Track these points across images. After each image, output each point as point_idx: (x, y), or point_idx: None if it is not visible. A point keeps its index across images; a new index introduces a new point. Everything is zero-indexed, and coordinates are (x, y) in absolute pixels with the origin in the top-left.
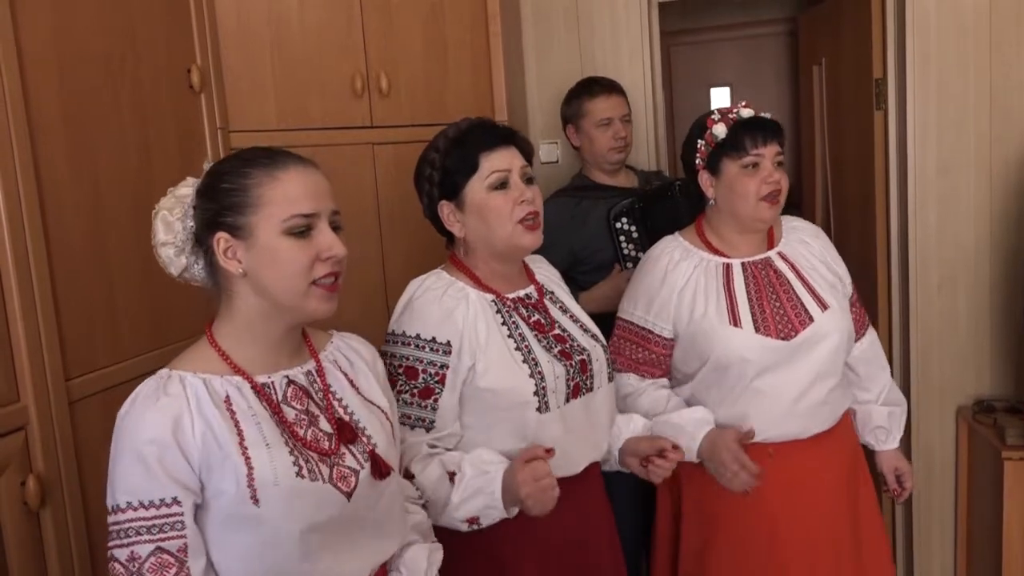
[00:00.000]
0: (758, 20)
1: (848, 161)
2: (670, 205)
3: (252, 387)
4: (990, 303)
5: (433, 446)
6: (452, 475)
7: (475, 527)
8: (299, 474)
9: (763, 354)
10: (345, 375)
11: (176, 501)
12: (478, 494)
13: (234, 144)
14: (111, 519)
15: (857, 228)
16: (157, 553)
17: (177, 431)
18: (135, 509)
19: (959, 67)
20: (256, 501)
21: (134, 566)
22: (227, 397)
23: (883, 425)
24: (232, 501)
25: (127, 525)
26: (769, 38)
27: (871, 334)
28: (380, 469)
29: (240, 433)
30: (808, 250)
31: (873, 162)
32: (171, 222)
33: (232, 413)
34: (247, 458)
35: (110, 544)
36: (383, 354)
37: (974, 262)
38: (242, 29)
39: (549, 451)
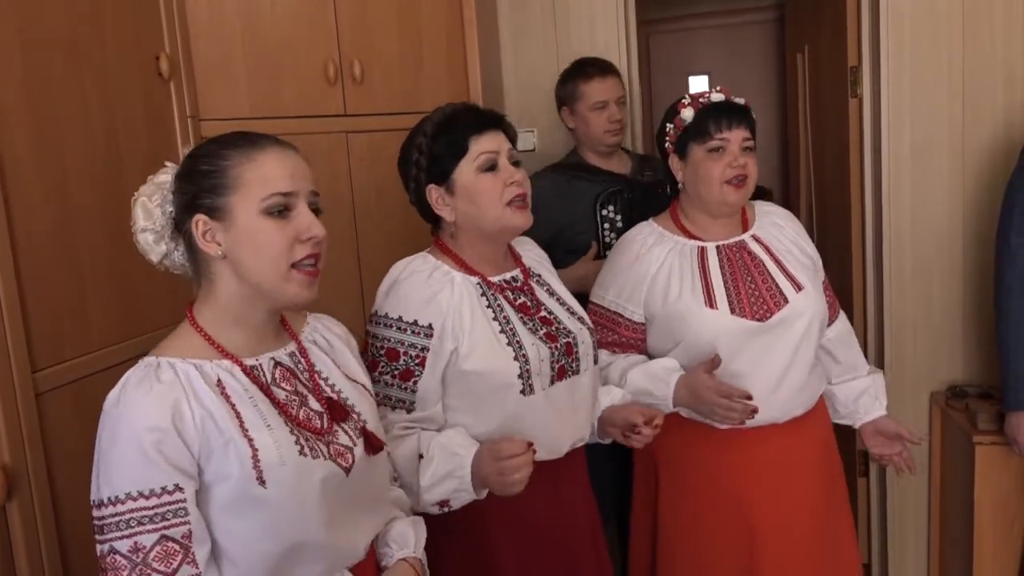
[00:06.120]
0: (739, 8)
1: (827, 149)
2: (658, 201)
3: (242, 370)
4: (963, 288)
5: (409, 427)
6: (422, 457)
7: (446, 510)
8: (301, 452)
9: (738, 336)
10: (326, 355)
11: (178, 488)
12: (448, 478)
13: (205, 133)
14: (106, 511)
15: (835, 216)
16: (162, 542)
17: (176, 418)
18: (135, 499)
19: (933, 54)
20: (263, 482)
21: (138, 556)
22: (219, 381)
23: (869, 390)
24: (237, 484)
25: (128, 516)
26: (751, 26)
27: (843, 317)
28: (373, 444)
29: (239, 416)
30: (782, 233)
31: (848, 149)
32: (150, 208)
33: (227, 397)
34: (250, 440)
35: (106, 537)
36: (366, 334)
37: (947, 247)
38: (213, 16)
39: (531, 445)
